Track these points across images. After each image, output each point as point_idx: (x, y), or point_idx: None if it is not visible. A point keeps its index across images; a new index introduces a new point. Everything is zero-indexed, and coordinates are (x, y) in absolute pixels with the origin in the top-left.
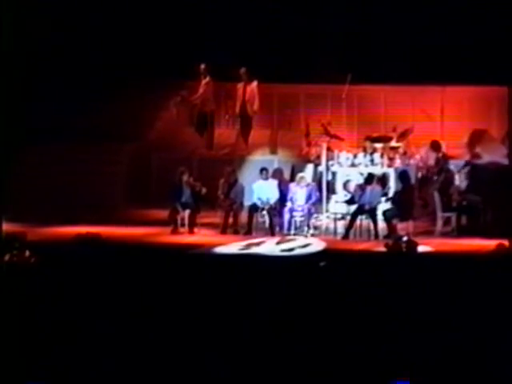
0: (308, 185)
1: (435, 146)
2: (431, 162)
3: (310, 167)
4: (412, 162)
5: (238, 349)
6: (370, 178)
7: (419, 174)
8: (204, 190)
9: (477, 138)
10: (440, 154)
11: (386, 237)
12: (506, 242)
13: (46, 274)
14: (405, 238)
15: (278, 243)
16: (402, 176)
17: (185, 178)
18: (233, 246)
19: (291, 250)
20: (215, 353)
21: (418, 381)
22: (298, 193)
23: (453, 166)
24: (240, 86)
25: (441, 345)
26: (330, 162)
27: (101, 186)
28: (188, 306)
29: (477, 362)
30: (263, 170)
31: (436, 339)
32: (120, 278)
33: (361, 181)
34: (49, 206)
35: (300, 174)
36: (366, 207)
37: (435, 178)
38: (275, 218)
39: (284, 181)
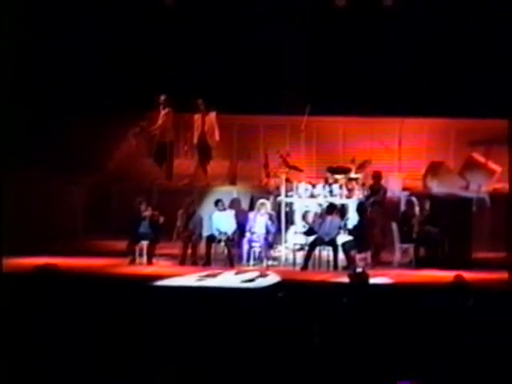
0: (268, 212)
1: (376, 176)
2: (389, 193)
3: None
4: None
5: (200, 381)
6: (330, 208)
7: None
8: (162, 219)
9: (434, 170)
10: (379, 185)
11: (344, 268)
12: (462, 274)
13: (1, 306)
14: (358, 270)
15: (236, 274)
16: (360, 207)
17: (142, 207)
18: (191, 278)
19: (251, 280)
20: None
21: None
22: (258, 221)
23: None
24: (198, 116)
25: (397, 379)
26: (289, 193)
27: (59, 217)
28: (146, 338)
29: None
30: (218, 201)
31: (393, 369)
32: (78, 310)
33: (319, 212)
34: (5, 237)
35: (260, 201)
36: (326, 239)
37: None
38: (234, 248)
39: (242, 211)
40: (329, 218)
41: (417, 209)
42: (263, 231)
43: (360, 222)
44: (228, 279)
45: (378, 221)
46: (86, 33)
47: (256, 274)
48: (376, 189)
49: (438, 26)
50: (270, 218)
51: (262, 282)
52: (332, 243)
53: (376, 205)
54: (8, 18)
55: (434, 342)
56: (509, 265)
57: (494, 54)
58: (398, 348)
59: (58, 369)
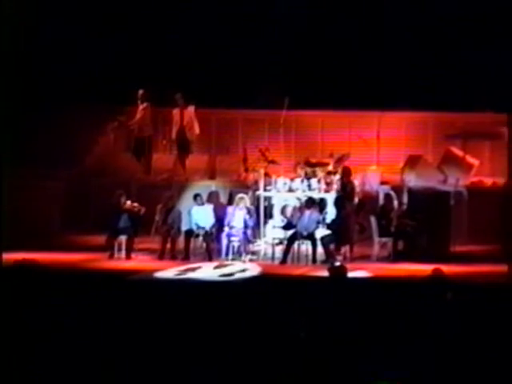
0: (247, 207)
1: (345, 172)
2: (368, 187)
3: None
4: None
5: (179, 376)
6: (310, 202)
7: (356, 200)
8: (143, 210)
9: (412, 164)
10: (349, 180)
11: (323, 262)
12: (441, 267)
13: None
14: (337, 264)
15: (215, 268)
16: (338, 202)
17: (122, 200)
18: (170, 272)
19: (231, 274)
20: (154, 380)
21: None
22: (236, 215)
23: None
24: (176, 111)
25: (376, 372)
26: (268, 188)
27: (37, 212)
28: (126, 332)
29: None
30: (197, 195)
31: (372, 364)
32: (58, 305)
33: (298, 206)
34: None
35: (239, 195)
36: (304, 233)
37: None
38: (212, 243)
39: (220, 205)
40: (307, 212)
41: (395, 202)
42: (242, 225)
43: (338, 216)
44: (207, 273)
45: (350, 216)
46: (65, 28)
47: (235, 268)
48: (345, 184)
49: (420, 20)
50: (249, 212)
51: (241, 276)
52: (311, 237)
53: (345, 200)
54: None
55: (412, 335)
56: (495, 257)
57: (476, 48)
58: (376, 341)
59: (40, 362)
